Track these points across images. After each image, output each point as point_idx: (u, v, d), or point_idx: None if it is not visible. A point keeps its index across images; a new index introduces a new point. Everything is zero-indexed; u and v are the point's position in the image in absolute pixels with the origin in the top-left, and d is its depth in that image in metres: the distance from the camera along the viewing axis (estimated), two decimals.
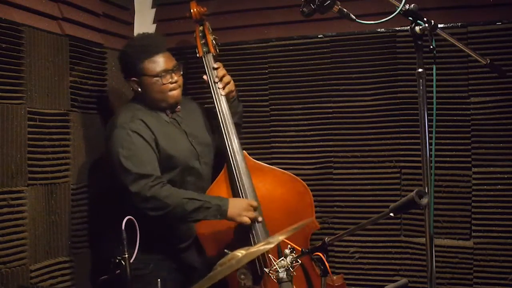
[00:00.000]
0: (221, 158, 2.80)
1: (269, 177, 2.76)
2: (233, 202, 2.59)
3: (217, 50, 2.89)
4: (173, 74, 2.64)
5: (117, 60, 2.81)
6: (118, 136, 2.54)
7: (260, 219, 2.63)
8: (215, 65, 2.80)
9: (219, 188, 2.73)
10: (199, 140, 2.77)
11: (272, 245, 1.86)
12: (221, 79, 2.78)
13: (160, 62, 2.61)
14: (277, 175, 2.76)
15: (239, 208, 2.56)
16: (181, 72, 2.69)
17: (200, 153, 2.74)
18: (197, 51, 2.87)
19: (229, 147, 2.72)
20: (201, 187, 2.73)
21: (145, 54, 2.61)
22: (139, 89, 2.65)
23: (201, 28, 2.89)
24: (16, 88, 2.44)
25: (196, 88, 3.12)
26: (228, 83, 2.80)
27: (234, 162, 2.70)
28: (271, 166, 2.83)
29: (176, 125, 2.73)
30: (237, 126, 2.83)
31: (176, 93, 2.66)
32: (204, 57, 2.85)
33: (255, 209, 2.62)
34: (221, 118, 2.75)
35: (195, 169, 2.71)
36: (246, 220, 2.56)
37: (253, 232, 2.64)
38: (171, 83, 2.63)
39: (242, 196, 2.67)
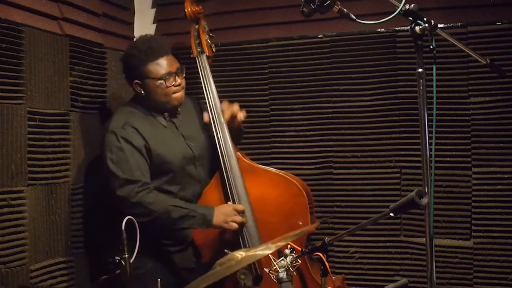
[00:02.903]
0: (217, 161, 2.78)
1: (263, 179, 2.71)
2: (218, 210, 2.58)
3: (213, 50, 2.87)
4: (176, 77, 2.63)
5: (118, 61, 2.81)
6: (108, 141, 2.55)
7: (247, 223, 2.61)
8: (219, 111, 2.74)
9: (212, 192, 2.72)
10: (198, 143, 2.77)
11: (271, 251, 1.85)
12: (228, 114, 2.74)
13: (164, 65, 2.60)
14: (271, 177, 2.71)
15: (224, 215, 2.56)
16: (184, 75, 2.69)
17: (197, 156, 2.74)
18: (191, 51, 2.85)
19: (221, 150, 2.70)
20: (196, 190, 2.73)
21: (149, 57, 2.59)
22: (142, 92, 2.64)
23: (196, 27, 2.87)
24: (16, 88, 2.44)
25: (194, 89, 3.12)
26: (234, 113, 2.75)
27: (227, 166, 2.68)
28: (265, 167, 2.77)
29: (174, 129, 2.73)
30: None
31: (180, 95, 2.66)
32: (198, 57, 2.83)
33: (241, 212, 2.60)
34: (214, 122, 2.73)
35: (189, 173, 2.71)
36: (233, 226, 2.56)
37: (243, 234, 2.62)
38: (175, 85, 2.62)
39: (234, 199, 2.65)
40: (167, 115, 2.71)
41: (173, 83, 2.62)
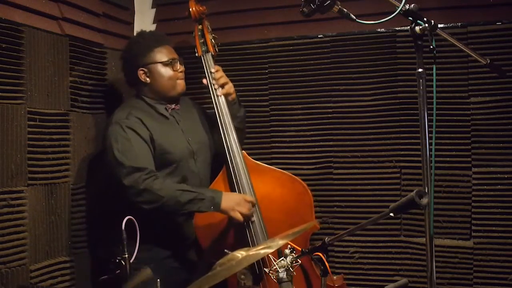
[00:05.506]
0: (220, 159, 2.79)
1: (268, 177, 2.74)
2: (227, 195, 2.59)
3: (217, 50, 2.89)
4: (179, 64, 2.73)
5: (118, 61, 2.86)
6: (113, 132, 2.57)
7: (253, 219, 2.62)
8: (213, 69, 2.81)
9: (218, 188, 2.72)
10: (196, 139, 2.78)
11: (272, 250, 1.85)
12: (218, 81, 2.79)
13: (168, 51, 2.73)
14: (276, 175, 2.75)
15: (232, 202, 2.56)
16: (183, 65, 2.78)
17: (196, 151, 2.75)
18: (196, 50, 2.87)
19: (227, 147, 2.72)
20: (197, 185, 2.73)
21: (154, 43, 2.71)
22: (148, 79, 2.69)
23: (200, 27, 2.89)
24: (16, 88, 2.44)
25: (196, 89, 3.12)
26: (225, 84, 2.79)
27: (233, 163, 2.70)
28: (270, 166, 2.82)
29: (174, 122, 2.75)
30: (239, 131, 2.81)
31: (183, 83, 2.75)
32: (203, 56, 2.85)
33: (252, 205, 2.61)
34: (220, 119, 2.75)
35: (190, 166, 2.72)
36: (238, 216, 2.56)
37: (250, 232, 2.63)
38: (179, 71, 2.72)
39: None
40: (169, 106, 2.74)
41: (177, 68, 2.71)
